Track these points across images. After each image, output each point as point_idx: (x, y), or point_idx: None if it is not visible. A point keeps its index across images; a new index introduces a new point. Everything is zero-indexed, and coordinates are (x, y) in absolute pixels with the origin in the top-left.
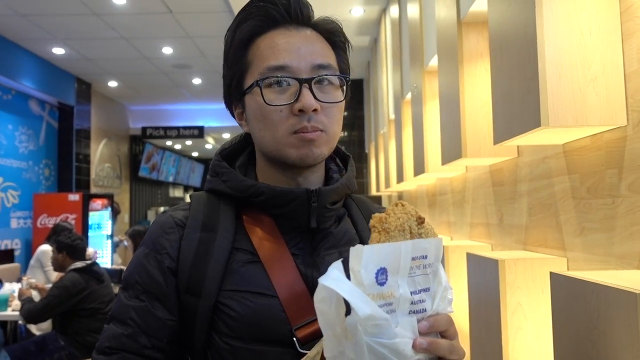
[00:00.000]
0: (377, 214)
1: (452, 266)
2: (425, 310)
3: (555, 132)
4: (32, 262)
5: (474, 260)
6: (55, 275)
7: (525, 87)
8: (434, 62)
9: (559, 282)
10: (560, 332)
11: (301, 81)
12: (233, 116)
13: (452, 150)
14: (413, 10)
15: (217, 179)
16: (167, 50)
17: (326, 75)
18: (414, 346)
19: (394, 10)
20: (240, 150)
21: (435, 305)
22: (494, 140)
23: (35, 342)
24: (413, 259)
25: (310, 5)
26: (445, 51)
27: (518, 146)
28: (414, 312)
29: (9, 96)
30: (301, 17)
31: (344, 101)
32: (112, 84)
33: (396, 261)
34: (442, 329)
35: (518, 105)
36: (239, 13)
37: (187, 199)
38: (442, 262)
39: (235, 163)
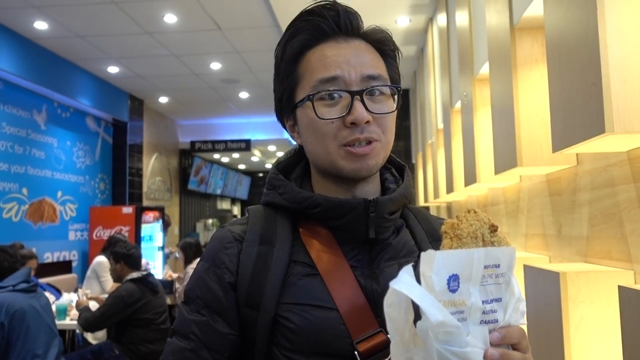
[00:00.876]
0: (449, 220)
1: None
2: (497, 320)
3: (619, 138)
4: (88, 273)
5: (532, 273)
6: (110, 286)
7: (587, 92)
8: (484, 69)
9: (628, 296)
10: (632, 349)
11: (352, 93)
12: (285, 128)
13: (506, 159)
14: (462, 18)
15: (273, 192)
16: (216, 65)
17: (377, 86)
18: (485, 357)
19: (441, 19)
20: (295, 163)
21: (507, 316)
22: (552, 148)
23: (91, 350)
24: (485, 267)
25: (359, 15)
26: (497, 58)
27: (577, 154)
28: (485, 322)
29: (67, 114)
30: (351, 29)
31: (395, 111)
32: (163, 99)
33: (468, 268)
34: (514, 341)
35: (579, 111)
36: (289, 27)
37: (235, 212)
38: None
39: (291, 176)
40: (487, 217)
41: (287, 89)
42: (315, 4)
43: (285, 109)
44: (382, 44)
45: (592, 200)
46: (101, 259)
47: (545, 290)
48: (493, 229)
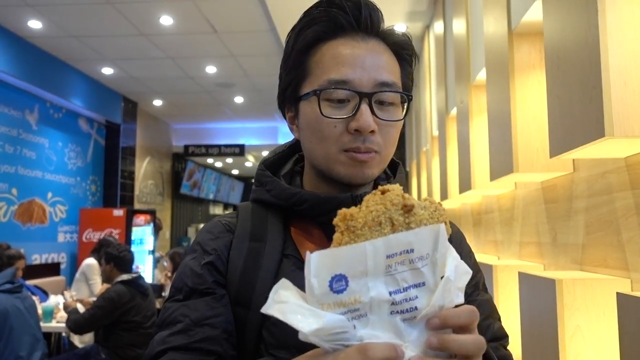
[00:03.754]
0: (343, 209)
1: (502, 286)
2: (415, 308)
3: (618, 143)
4: (77, 275)
5: (527, 281)
6: (99, 289)
7: (587, 96)
8: (481, 76)
9: (627, 304)
10: (630, 357)
11: (361, 95)
12: (284, 118)
13: (502, 165)
14: (459, 25)
15: (261, 189)
16: (211, 69)
17: (389, 91)
18: (428, 345)
19: (438, 26)
20: (285, 159)
21: (435, 299)
22: (550, 153)
23: (77, 354)
24: (389, 256)
25: (381, 12)
26: (495, 64)
27: (574, 161)
28: (398, 312)
29: (60, 114)
30: (370, 26)
31: (403, 120)
32: (157, 102)
33: (360, 264)
34: (461, 323)
35: (578, 115)
36: (304, 16)
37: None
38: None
39: (280, 172)
40: (400, 195)
41: (294, 80)
42: None
43: (289, 99)
44: (400, 47)
45: (589, 207)
46: (91, 261)
47: (540, 298)
48: (407, 208)
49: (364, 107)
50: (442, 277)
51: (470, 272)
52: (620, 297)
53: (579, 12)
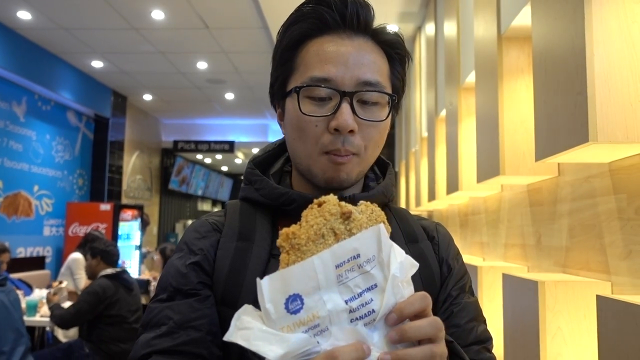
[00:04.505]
0: (284, 229)
1: (486, 287)
2: (373, 311)
3: (602, 148)
4: (62, 269)
5: (510, 282)
6: (83, 283)
7: (572, 101)
8: (470, 78)
9: (606, 306)
10: (608, 359)
11: (342, 94)
12: (276, 112)
13: (489, 167)
14: (450, 27)
15: (250, 187)
16: (202, 65)
17: (370, 91)
18: (390, 340)
19: (429, 28)
20: (275, 158)
21: (386, 299)
22: (535, 157)
23: (61, 349)
24: (338, 266)
25: (371, 9)
26: (484, 67)
27: (559, 165)
28: (358, 319)
29: (48, 107)
30: (357, 24)
31: (387, 121)
32: (147, 97)
33: (312, 280)
34: (417, 310)
35: (564, 120)
36: (293, 12)
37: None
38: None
39: (269, 171)
40: (336, 204)
41: (280, 76)
42: None
43: (277, 96)
44: (390, 46)
45: (572, 211)
46: (76, 255)
47: (523, 299)
48: (345, 216)
49: (344, 106)
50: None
51: (416, 265)
52: (600, 299)
53: (566, 19)
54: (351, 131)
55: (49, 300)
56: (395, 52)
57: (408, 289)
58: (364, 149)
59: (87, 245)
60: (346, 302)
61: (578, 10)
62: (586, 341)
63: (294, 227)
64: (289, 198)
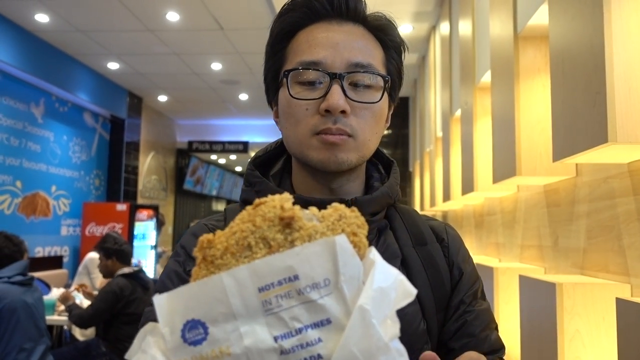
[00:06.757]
0: (204, 236)
1: (502, 289)
2: (319, 356)
3: (621, 149)
4: (80, 268)
5: (527, 284)
6: (99, 282)
7: (591, 101)
8: (486, 78)
9: (626, 309)
10: None
11: (332, 76)
12: (272, 110)
13: (505, 168)
14: (465, 27)
15: (250, 190)
16: (216, 66)
17: (361, 71)
18: None
19: (444, 27)
20: (276, 158)
21: (346, 341)
22: (553, 158)
23: (78, 347)
24: (263, 289)
25: None
26: (500, 67)
27: (577, 165)
28: None
29: (65, 108)
30: (346, 11)
31: (381, 104)
32: (162, 98)
33: (220, 304)
34: None
35: (582, 120)
36: (284, 5)
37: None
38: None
39: (270, 172)
40: (276, 207)
41: (272, 68)
42: None
43: (271, 90)
44: (382, 32)
45: (591, 212)
46: (94, 255)
47: (540, 302)
48: (285, 221)
49: (335, 87)
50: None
51: (413, 293)
52: (620, 302)
53: (584, 17)
54: (343, 112)
55: (65, 299)
56: (389, 39)
57: (391, 330)
58: (360, 132)
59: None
60: (276, 339)
61: (597, 8)
62: (605, 344)
63: (219, 233)
64: None
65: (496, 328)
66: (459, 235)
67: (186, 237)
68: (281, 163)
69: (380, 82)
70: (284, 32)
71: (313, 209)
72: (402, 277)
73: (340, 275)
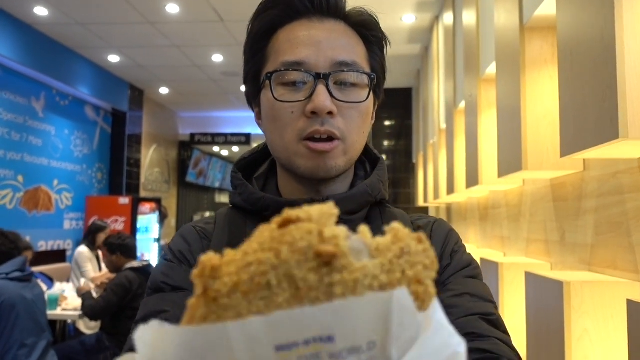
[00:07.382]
0: (205, 256)
1: (507, 284)
2: None
3: (633, 145)
4: (72, 264)
5: (534, 281)
6: (91, 276)
7: (601, 95)
8: (491, 69)
9: (637, 311)
10: None
11: (317, 77)
12: (254, 112)
13: (510, 162)
14: (469, 17)
15: (235, 193)
16: (217, 58)
17: (346, 70)
18: None
19: (447, 17)
20: (262, 159)
21: None
22: (561, 153)
23: (82, 342)
24: (281, 348)
25: None
26: (505, 58)
27: (584, 160)
28: None
29: (66, 102)
30: (327, 7)
31: (368, 103)
32: (164, 90)
33: (222, 358)
34: None
35: (591, 115)
36: (262, 2)
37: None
38: (495, 281)
39: (255, 174)
40: (311, 232)
41: (252, 69)
42: None
43: (251, 92)
44: (364, 27)
45: (599, 207)
46: (81, 249)
47: (547, 299)
48: (324, 259)
49: (320, 88)
50: None
51: (462, 353)
52: (631, 304)
53: (594, 7)
54: (330, 113)
55: (80, 290)
56: (372, 34)
57: None
58: (348, 133)
59: (90, 235)
60: None
61: None
62: (614, 343)
63: (229, 253)
64: (264, 204)
65: (496, 308)
66: (446, 228)
67: (175, 238)
68: (267, 165)
69: (366, 79)
70: (263, 31)
71: (364, 232)
72: (462, 351)
73: (391, 338)
